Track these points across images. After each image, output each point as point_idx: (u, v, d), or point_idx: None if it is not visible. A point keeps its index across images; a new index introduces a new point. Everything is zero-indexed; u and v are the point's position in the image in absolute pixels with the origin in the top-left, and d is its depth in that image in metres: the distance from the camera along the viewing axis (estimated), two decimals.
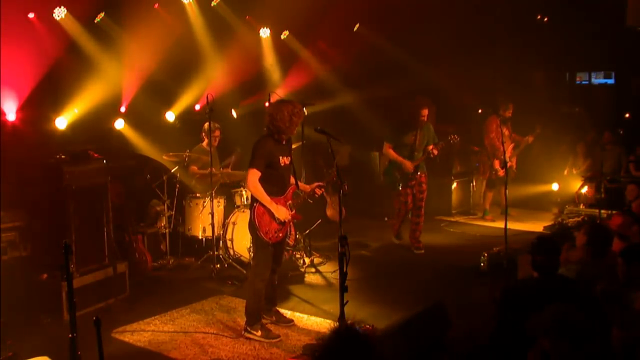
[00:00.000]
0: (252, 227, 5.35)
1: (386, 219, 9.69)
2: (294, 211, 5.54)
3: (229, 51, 9.10)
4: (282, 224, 5.40)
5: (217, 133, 7.82)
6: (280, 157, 5.39)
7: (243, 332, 5.43)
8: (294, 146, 7.52)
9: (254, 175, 5.26)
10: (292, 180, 5.63)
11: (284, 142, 5.46)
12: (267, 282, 5.49)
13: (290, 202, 5.52)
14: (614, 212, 7.69)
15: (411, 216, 8.22)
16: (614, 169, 9.68)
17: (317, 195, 5.72)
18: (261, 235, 5.30)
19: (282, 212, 5.37)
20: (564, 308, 2.96)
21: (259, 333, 5.37)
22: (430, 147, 7.87)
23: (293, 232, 7.47)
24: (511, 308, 3.31)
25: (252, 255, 6.12)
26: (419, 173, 7.98)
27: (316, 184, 5.66)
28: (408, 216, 8.30)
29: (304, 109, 7.39)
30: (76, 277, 5.75)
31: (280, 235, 5.45)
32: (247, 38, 9.52)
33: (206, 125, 7.86)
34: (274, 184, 5.38)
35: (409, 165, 7.86)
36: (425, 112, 7.81)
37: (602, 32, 11.40)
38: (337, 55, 10.65)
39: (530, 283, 4.20)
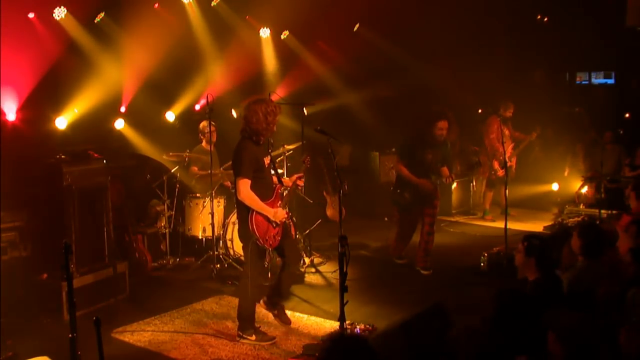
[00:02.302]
0: (247, 236, 5.22)
1: (386, 218, 9.69)
2: (285, 210, 5.43)
3: (229, 51, 9.10)
4: (278, 226, 5.34)
5: (212, 129, 7.75)
6: (264, 160, 5.30)
7: (237, 338, 5.39)
8: (293, 146, 7.61)
9: (245, 184, 5.10)
10: (275, 179, 5.52)
11: (261, 143, 5.32)
12: (260, 287, 5.44)
13: (280, 202, 5.41)
14: (614, 212, 7.70)
15: (422, 232, 7.33)
16: (614, 169, 9.68)
17: (299, 188, 5.63)
18: (261, 243, 5.22)
19: (278, 215, 5.27)
20: (578, 317, 3.01)
21: (253, 337, 5.32)
22: (446, 175, 6.99)
23: (293, 232, 7.46)
24: (508, 310, 3.32)
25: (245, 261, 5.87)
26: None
27: (295, 176, 5.56)
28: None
29: (304, 109, 7.48)
30: (76, 277, 5.75)
31: (278, 238, 5.36)
32: (247, 38, 9.52)
33: (201, 125, 7.88)
34: (263, 187, 5.26)
35: (427, 185, 6.96)
36: (443, 124, 6.85)
37: (602, 32, 11.40)
38: (337, 55, 10.65)
39: (529, 285, 4.20)
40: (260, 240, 5.20)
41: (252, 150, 5.17)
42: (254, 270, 5.34)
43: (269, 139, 5.60)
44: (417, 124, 7.31)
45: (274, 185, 5.46)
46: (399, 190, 7.25)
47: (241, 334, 5.36)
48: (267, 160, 5.36)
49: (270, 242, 5.28)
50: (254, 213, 5.16)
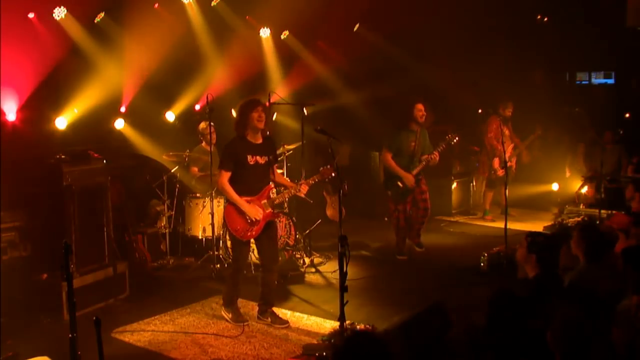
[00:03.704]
0: (224, 224, 5.61)
1: (386, 218, 9.67)
2: (269, 210, 5.57)
3: (229, 51, 9.10)
4: (253, 223, 5.48)
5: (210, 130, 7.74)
6: (249, 156, 5.46)
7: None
8: (293, 146, 7.62)
9: (222, 176, 5.48)
10: (272, 177, 5.72)
11: (259, 142, 5.53)
12: (242, 272, 5.81)
13: (265, 201, 5.56)
14: (614, 212, 7.68)
15: (415, 217, 7.77)
16: (614, 169, 9.68)
17: (303, 195, 5.77)
18: (232, 232, 5.51)
19: (253, 211, 5.46)
20: (576, 315, 3.00)
21: (229, 315, 5.70)
22: (426, 156, 7.41)
23: (293, 232, 7.48)
24: (505, 309, 3.32)
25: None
26: (420, 180, 7.58)
27: (302, 182, 5.71)
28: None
29: (304, 109, 7.47)
30: (76, 277, 5.75)
31: (253, 233, 5.52)
32: (247, 38, 9.51)
33: (200, 126, 7.90)
34: (244, 183, 5.49)
35: (410, 179, 7.40)
36: (420, 106, 7.34)
37: (602, 32, 11.40)
38: (337, 55, 10.65)
39: (528, 283, 4.21)
40: (230, 229, 5.50)
41: (233, 146, 5.53)
42: (234, 254, 5.77)
43: (272, 139, 5.75)
44: (398, 112, 7.73)
45: (263, 185, 5.60)
46: (390, 181, 7.56)
47: (223, 308, 5.82)
48: (258, 158, 5.50)
49: (241, 234, 5.49)
50: (228, 203, 5.56)
